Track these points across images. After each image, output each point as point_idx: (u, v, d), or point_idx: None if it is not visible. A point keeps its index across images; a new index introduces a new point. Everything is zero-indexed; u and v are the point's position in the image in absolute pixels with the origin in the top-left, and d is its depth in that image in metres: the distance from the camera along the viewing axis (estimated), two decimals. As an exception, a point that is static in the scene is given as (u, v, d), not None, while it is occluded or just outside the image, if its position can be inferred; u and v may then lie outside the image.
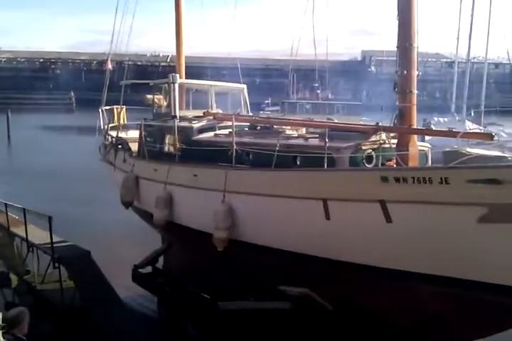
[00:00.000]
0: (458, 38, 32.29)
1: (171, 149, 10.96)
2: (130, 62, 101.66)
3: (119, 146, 13.01)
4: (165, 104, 15.21)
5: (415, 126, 8.36)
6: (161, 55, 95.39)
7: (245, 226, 8.69)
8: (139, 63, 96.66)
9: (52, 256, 10.66)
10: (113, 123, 15.00)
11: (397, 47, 8.48)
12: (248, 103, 13.18)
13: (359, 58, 78.31)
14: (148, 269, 12.94)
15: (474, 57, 38.30)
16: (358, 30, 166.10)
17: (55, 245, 10.65)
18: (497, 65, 67.99)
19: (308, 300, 8.49)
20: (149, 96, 14.82)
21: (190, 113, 12.22)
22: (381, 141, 8.38)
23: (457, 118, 30.73)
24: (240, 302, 9.60)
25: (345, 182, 7.20)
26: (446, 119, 30.59)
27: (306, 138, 8.94)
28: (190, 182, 9.56)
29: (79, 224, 17.08)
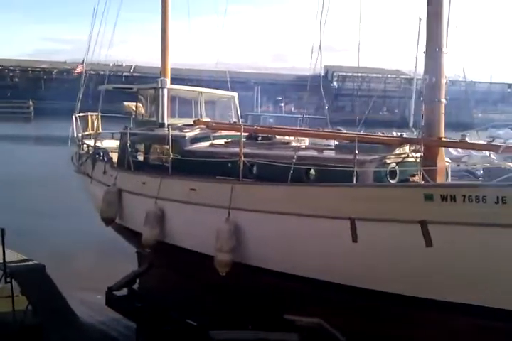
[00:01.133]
0: (416, 57, 33.66)
1: (161, 160, 9.80)
2: (92, 72, 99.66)
3: (98, 156, 11.70)
4: (145, 111, 14.13)
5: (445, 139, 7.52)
6: (124, 64, 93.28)
7: (253, 247, 7.61)
8: (101, 72, 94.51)
9: (4, 270, 9.51)
10: (87, 131, 13.70)
11: (424, 52, 7.60)
12: (239, 112, 12.16)
13: (322, 73, 78.44)
14: (124, 291, 11.74)
15: None
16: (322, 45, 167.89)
17: (7, 259, 9.53)
18: (453, 83, 68.82)
19: (320, 331, 7.47)
20: (127, 104, 13.66)
21: (177, 121, 11.09)
22: (405, 155, 7.50)
23: (415, 133, 31.68)
24: (236, 331, 8.45)
25: (379, 199, 6.23)
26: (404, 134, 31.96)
27: (321, 151, 7.94)
28: (186, 197, 8.40)
29: (37, 238, 15.47)
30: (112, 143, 12.97)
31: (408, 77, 67.81)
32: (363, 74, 76.22)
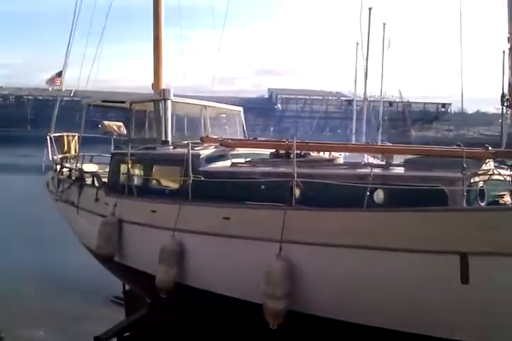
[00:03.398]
0: (355, 79, 34.69)
1: (174, 184, 7.99)
2: (30, 97, 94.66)
3: (84, 181, 9.65)
4: (132, 130, 12.29)
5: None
6: (63, 89, 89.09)
7: (313, 292, 5.87)
8: (40, 98, 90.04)
9: None
10: (63, 153, 11.64)
11: (509, 49, 6.28)
12: (245, 128, 10.55)
13: (266, 95, 78.14)
14: None
15: (370, 96, 40.43)
16: (263, 69, 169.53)
17: None
18: (391, 103, 70.50)
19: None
20: (107, 123, 11.78)
21: (180, 139, 9.30)
22: (491, 171, 6.09)
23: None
24: None
25: (504, 227, 4.75)
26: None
27: (387, 167, 6.39)
28: (218, 228, 6.62)
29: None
30: (91, 167, 10.99)
31: (348, 98, 68.86)
32: (305, 97, 76.76)
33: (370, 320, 5.51)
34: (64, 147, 11.74)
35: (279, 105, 77.61)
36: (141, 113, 9.86)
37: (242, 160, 8.05)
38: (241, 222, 6.40)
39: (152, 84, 10.96)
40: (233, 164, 7.81)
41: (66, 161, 11.17)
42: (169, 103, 8.82)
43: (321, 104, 70.12)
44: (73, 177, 10.12)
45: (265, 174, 6.92)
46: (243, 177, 6.95)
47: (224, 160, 8.09)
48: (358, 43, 34.00)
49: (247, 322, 6.46)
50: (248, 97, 71.01)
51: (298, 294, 5.81)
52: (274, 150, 8.23)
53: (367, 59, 32.26)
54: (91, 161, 11.69)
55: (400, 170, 6.26)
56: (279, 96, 77.32)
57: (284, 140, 8.08)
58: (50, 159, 11.65)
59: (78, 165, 10.34)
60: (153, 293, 8.08)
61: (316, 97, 74.63)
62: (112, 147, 11.66)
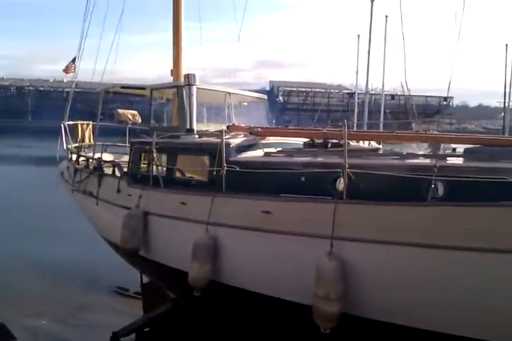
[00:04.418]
0: (357, 72, 34.05)
1: (201, 174, 7.42)
2: (31, 88, 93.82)
3: (104, 171, 9.06)
4: (138, 119, 11.70)
5: None
6: (65, 80, 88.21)
7: (369, 294, 5.33)
8: (41, 88, 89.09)
9: None
10: (77, 142, 11.06)
11: None
12: (270, 116, 9.99)
13: (267, 88, 77.26)
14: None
15: (372, 89, 39.95)
16: (265, 61, 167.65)
17: None
18: (393, 96, 69.93)
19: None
20: (122, 111, 11.22)
21: (204, 127, 8.73)
22: None
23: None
24: None
25: None
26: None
27: (444, 158, 5.82)
28: (256, 222, 6.06)
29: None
30: (107, 157, 10.43)
31: (350, 91, 68.18)
32: (307, 89, 76.03)
33: (434, 325, 4.98)
34: (78, 136, 11.16)
35: (280, 97, 76.78)
36: (163, 100, 9.28)
37: (273, 149, 7.49)
38: (284, 216, 5.84)
39: (171, 71, 10.39)
40: (266, 154, 7.24)
41: (80, 151, 10.58)
42: (194, 89, 8.22)
43: (323, 97, 69.52)
44: (91, 167, 9.54)
45: (305, 164, 6.35)
46: (281, 168, 6.39)
47: (255, 150, 7.53)
48: (359, 36, 33.69)
49: (291, 324, 5.94)
50: (249, 90, 70.08)
51: (352, 296, 5.27)
52: (307, 139, 7.69)
53: (369, 52, 32.04)
54: (105, 151, 11.14)
55: (459, 161, 5.71)
56: (280, 89, 76.52)
57: (321, 128, 7.51)
58: (64, 148, 11.06)
59: (95, 154, 9.78)
60: (181, 289, 7.56)
61: (317, 90, 73.91)
62: (127, 137, 11.13)
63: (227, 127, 8.41)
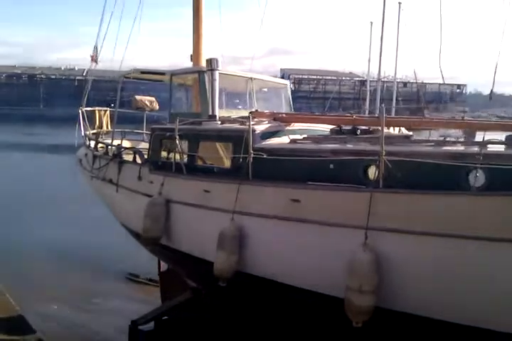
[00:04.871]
0: (369, 59, 33.44)
1: (225, 161, 7.20)
2: (43, 76, 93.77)
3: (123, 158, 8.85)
4: (155, 106, 11.48)
5: None
6: (76, 68, 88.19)
7: (405, 288, 5.08)
8: (53, 77, 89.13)
9: None
10: (95, 129, 10.86)
11: None
12: (291, 103, 9.72)
13: (279, 76, 76.76)
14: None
15: (384, 77, 39.36)
16: (275, 49, 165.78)
17: None
18: (405, 84, 69.12)
19: None
20: (139, 98, 11.00)
21: (226, 113, 8.48)
22: None
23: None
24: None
25: None
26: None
27: (484, 145, 5.52)
28: (285, 211, 5.84)
29: None
30: (124, 144, 10.23)
31: (361, 78, 67.42)
32: (318, 77, 75.34)
33: (475, 320, 4.74)
34: (96, 122, 10.95)
35: (291, 85, 76.25)
36: (184, 85, 9.03)
37: (299, 136, 7.23)
38: (315, 205, 5.60)
39: (191, 56, 10.11)
40: (292, 141, 6.98)
41: (98, 137, 10.38)
42: (217, 74, 7.94)
43: (334, 85, 68.86)
44: (110, 154, 9.34)
45: (335, 152, 6.09)
46: (309, 156, 6.12)
47: (279, 137, 7.28)
48: (372, 23, 33.09)
49: (320, 317, 5.73)
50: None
51: (387, 289, 5.04)
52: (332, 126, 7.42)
53: (382, 39, 31.63)
54: (124, 137, 10.94)
55: (501, 149, 5.42)
56: (291, 77, 75.94)
57: (350, 114, 7.24)
58: (82, 134, 10.87)
59: (114, 141, 9.58)
60: (203, 279, 7.39)
61: (328, 77, 73.25)
62: (144, 123, 10.92)
63: (250, 113, 8.17)
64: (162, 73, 9.03)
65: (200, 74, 8.21)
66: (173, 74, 8.77)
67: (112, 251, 13.40)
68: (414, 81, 58.71)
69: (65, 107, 50.20)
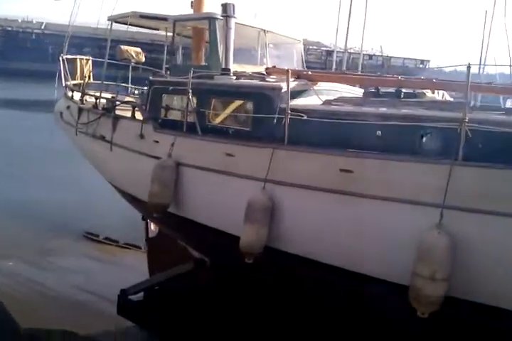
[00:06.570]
0: (337, 30, 32.22)
1: (244, 122, 6.15)
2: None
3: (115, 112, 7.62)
4: (142, 57, 10.26)
5: None
6: (34, 21, 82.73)
7: (483, 277, 4.32)
8: (9, 29, 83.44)
9: None
10: (75, 79, 9.55)
11: None
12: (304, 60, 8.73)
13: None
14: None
15: (351, 48, 38.67)
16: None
17: None
18: (371, 57, 68.46)
19: None
20: (125, 48, 9.71)
21: (238, 68, 7.34)
22: None
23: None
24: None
25: None
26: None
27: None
28: (333, 183, 4.92)
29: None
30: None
31: (329, 49, 66.18)
32: (284, 44, 73.60)
33: None
34: (77, 72, 9.59)
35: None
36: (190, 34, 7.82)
37: (331, 97, 6.28)
38: (373, 177, 4.72)
39: (191, 3, 8.83)
40: (327, 102, 6.02)
41: (84, 88, 9.04)
42: (232, 22, 6.76)
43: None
44: (100, 108, 8.09)
45: (385, 116, 5.17)
46: (352, 119, 5.18)
47: (306, 97, 6.30)
48: (343, -7, 32.06)
49: (374, 305, 4.92)
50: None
51: (461, 277, 4.27)
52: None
53: (350, 11, 30.83)
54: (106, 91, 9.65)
55: None
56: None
57: (393, 75, 6.31)
58: (63, 85, 9.50)
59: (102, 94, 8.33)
60: (219, 252, 6.49)
61: (296, 45, 71.71)
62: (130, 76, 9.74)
63: (266, 69, 7.13)
64: (164, 18, 7.76)
65: (211, 21, 7.03)
66: (177, 20, 7.53)
67: (74, 209, 13.06)
68: (380, 54, 58.27)
69: (22, 61, 47.11)
